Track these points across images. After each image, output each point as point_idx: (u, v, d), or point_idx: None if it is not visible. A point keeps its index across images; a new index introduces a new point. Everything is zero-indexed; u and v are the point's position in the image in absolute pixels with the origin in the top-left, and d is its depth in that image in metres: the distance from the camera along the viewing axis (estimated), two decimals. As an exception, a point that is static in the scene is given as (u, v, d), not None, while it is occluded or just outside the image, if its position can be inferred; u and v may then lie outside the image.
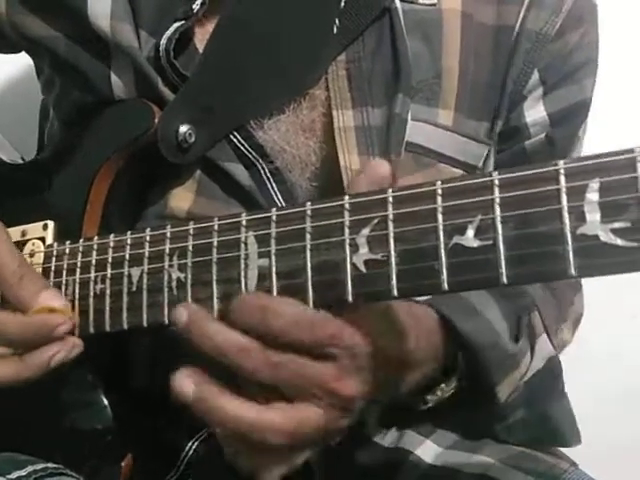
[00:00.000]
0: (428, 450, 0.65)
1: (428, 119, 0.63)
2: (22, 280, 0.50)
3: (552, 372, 0.60)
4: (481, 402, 0.55)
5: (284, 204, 0.61)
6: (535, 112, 0.67)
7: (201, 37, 0.61)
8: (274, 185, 0.62)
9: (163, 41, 0.58)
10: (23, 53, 0.72)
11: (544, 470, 0.60)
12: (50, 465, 0.54)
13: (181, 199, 0.62)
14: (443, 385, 0.55)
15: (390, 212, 0.42)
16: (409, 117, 0.62)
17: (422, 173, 0.63)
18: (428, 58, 0.63)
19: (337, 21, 0.61)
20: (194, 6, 0.59)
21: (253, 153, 0.61)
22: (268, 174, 0.62)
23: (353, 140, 0.60)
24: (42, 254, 0.58)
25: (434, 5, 0.64)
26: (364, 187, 0.43)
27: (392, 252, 0.41)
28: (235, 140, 0.61)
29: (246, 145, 0.61)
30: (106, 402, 0.57)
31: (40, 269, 0.57)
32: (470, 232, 0.39)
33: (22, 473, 0.53)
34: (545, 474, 0.59)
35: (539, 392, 0.59)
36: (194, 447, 0.65)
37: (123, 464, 0.56)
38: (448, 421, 0.64)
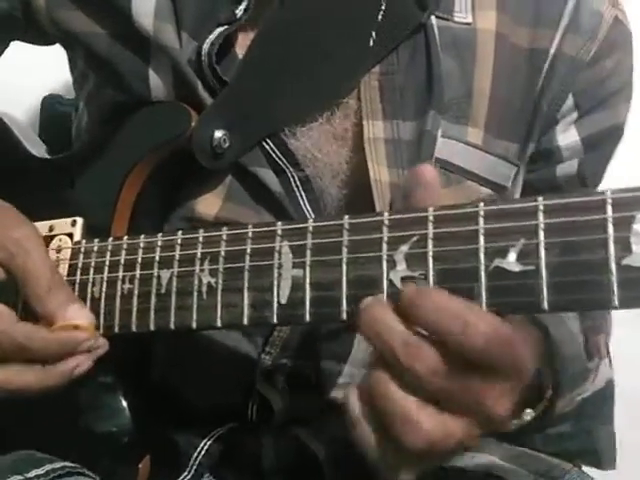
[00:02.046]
0: None
1: (458, 137, 0.63)
2: (51, 292, 0.50)
3: (606, 395, 0.60)
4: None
5: (311, 213, 0.61)
6: (568, 136, 0.67)
7: (242, 43, 0.61)
8: (303, 193, 0.62)
9: (206, 45, 0.58)
10: (23, 53, 0.73)
11: (547, 470, 0.60)
12: (68, 464, 0.54)
13: (209, 204, 0.61)
14: (529, 410, 0.49)
15: (430, 230, 0.42)
16: (439, 134, 0.62)
17: (449, 190, 0.63)
18: (460, 77, 0.63)
19: (374, 34, 0.61)
20: (237, 11, 0.59)
21: (284, 160, 0.61)
22: (297, 182, 0.62)
23: (382, 152, 0.60)
24: (69, 250, 0.58)
25: (469, 24, 0.64)
26: (410, 192, 0.43)
27: (430, 271, 0.41)
28: (267, 147, 0.61)
29: (277, 152, 0.61)
30: (125, 404, 0.57)
31: (67, 265, 0.57)
32: (512, 256, 0.39)
33: (40, 472, 0.53)
34: (547, 474, 0.60)
35: (590, 411, 0.58)
36: (207, 447, 0.65)
37: (140, 466, 0.56)
38: None
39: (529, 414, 0.50)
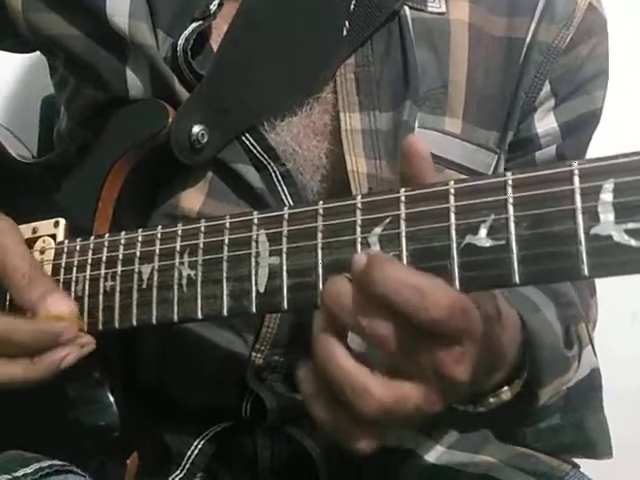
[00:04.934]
0: (430, 449, 0.65)
1: (435, 127, 0.64)
2: (31, 283, 0.51)
3: (592, 384, 0.60)
4: (520, 402, 0.53)
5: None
6: (546, 123, 0.68)
7: (217, 37, 0.62)
8: (284, 188, 0.62)
9: (181, 41, 0.59)
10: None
11: (546, 471, 0.60)
12: (56, 462, 0.54)
13: (192, 200, 0.62)
14: (505, 388, 0.51)
15: (402, 211, 0.42)
16: (416, 125, 0.62)
17: None
18: (435, 68, 0.64)
19: (347, 23, 0.62)
20: (211, 6, 0.60)
21: (264, 155, 0.61)
22: (279, 176, 0.62)
23: (360, 143, 0.61)
24: (53, 251, 0.58)
25: (443, 14, 0.65)
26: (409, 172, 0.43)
27: (404, 251, 0.41)
28: (247, 142, 0.61)
29: (258, 147, 0.61)
30: (112, 400, 0.57)
31: (50, 266, 0.57)
32: (483, 232, 0.39)
33: (28, 470, 0.53)
34: (547, 475, 0.59)
35: (577, 401, 0.58)
36: (200, 446, 0.65)
37: (128, 462, 0.56)
38: (475, 423, 0.63)
39: (506, 392, 0.51)
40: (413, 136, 0.44)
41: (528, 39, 0.65)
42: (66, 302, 0.52)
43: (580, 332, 0.59)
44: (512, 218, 0.38)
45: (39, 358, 0.50)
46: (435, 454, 0.65)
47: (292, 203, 0.62)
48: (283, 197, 0.62)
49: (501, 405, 0.51)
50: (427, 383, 0.40)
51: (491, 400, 0.51)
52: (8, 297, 0.54)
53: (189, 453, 0.64)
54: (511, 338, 0.48)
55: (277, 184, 0.62)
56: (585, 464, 0.64)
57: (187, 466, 0.64)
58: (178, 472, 0.64)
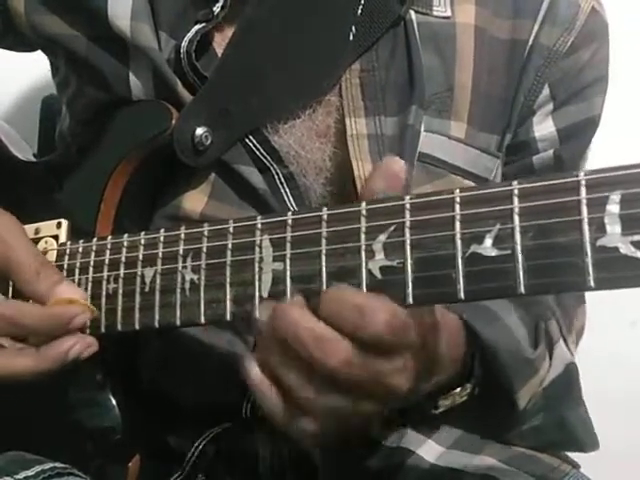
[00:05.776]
0: (430, 450, 0.65)
1: (440, 131, 0.64)
2: (39, 275, 0.50)
3: (569, 379, 0.60)
4: (499, 409, 0.55)
5: (296, 209, 0.61)
6: (544, 127, 0.68)
7: (220, 40, 0.62)
8: (287, 190, 0.62)
9: (184, 43, 0.59)
10: (23, 54, 0.73)
11: (546, 472, 0.60)
12: (58, 465, 0.54)
13: (194, 201, 0.62)
14: (457, 390, 0.55)
15: (407, 219, 0.42)
16: (422, 128, 0.62)
17: (433, 184, 0.64)
18: (441, 72, 0.64)
19: (353, 28, 0.62)
20: (215, 9, 0.60)
21: (268, 157, 0.61)
22: (282, 179, 0.62)
23: (366, 148, 0.61)
24: (55, 252, 0.58)
25: (448, 18, 0.65)
26: (379, 185, 0.44)
27: (408, 259, 0.41)
28: (250, 144, 0.61)
29: (261, 149, 0.61)
30: (114, 402, 0.57)
31: (53, 267, 0.57)
32: (488, 241, 0.39)
33: (30, 473, 0.52)
34: (547, 476, 0.59)
35: (555, 399, 0.59)
36: (200, 447, 0.65)
37: (130, 464, 0.56)
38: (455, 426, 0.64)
39: (457, 394, 0.55)
40: (392, 157, 0.46)
41: (530, 41, 0.65)
42: (76, 289, 0.52)
43: (550, 328, 0.60)
44: (518, 228, 0.38)
45: (46, 347, 0.49)
46: (435, 454, 0.65)
47: (295, 205, 0.62)
48: (286, 199, 0.62)
49: (458, 406, 0.55)
50: (372, 395, 0.43)
51: (440, 402, 0.55)
52: (10, 293, 0.54)
53: (190, 454, 0.65)
54: (448, 342, 0.50)
55: (280, 186, 0.62)
56: (585, 465, 0.64)
57: (188, 467, 0.64)
58: (179, 473, 0.64)
